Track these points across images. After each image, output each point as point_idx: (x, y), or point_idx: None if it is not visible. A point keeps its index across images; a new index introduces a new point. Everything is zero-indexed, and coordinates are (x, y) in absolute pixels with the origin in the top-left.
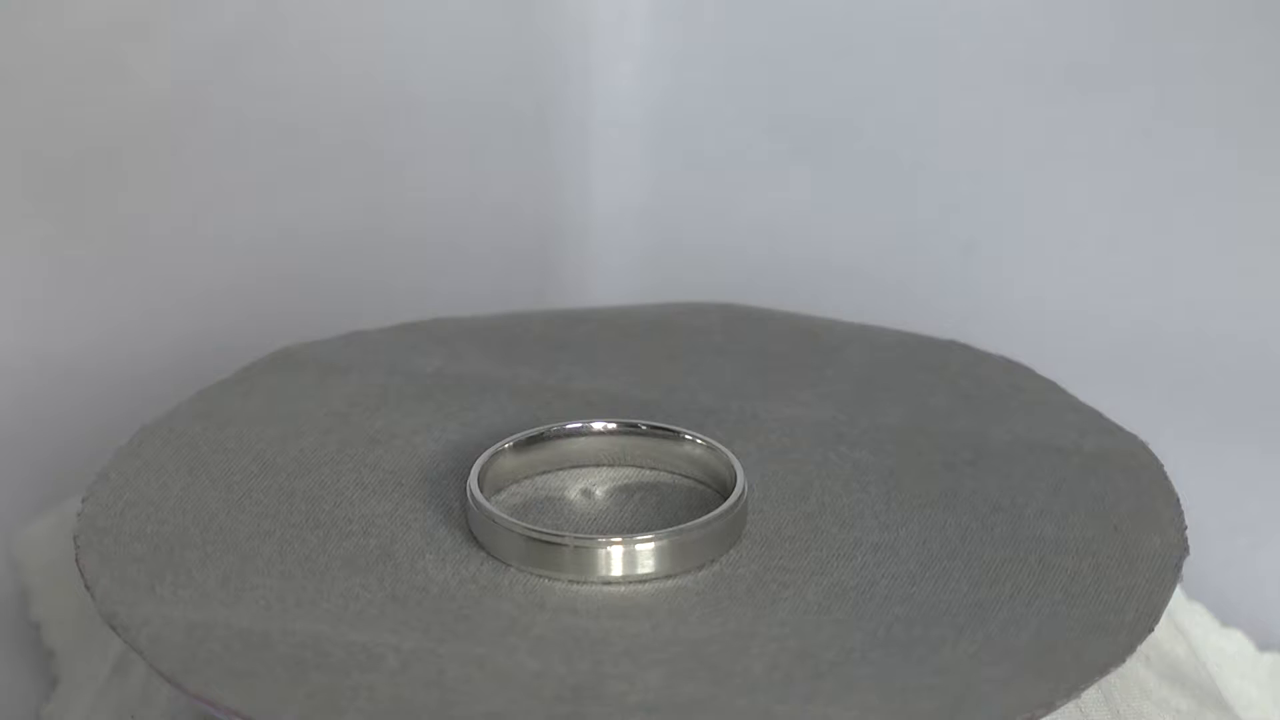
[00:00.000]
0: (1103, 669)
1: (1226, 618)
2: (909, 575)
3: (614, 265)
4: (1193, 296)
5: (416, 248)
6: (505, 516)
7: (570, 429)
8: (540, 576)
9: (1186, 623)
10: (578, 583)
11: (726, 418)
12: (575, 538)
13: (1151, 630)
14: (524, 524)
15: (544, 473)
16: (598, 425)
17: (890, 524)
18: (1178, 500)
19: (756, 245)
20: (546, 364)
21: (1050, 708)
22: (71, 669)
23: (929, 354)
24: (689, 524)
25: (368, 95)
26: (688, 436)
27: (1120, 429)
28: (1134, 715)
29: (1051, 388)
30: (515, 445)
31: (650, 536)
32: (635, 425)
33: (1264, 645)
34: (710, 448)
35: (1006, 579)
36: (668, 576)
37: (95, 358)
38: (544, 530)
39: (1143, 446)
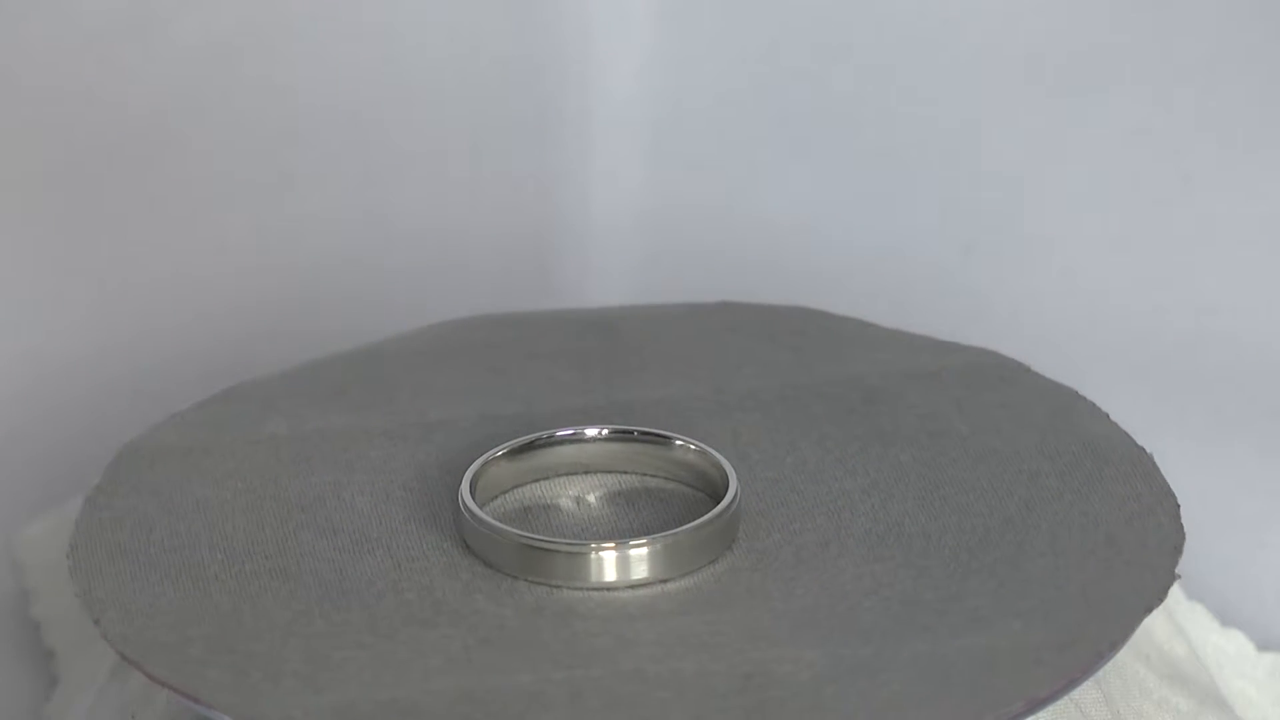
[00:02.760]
0: (1177, 548)
1: (1226, 618)
2: (924, 510)
3: (613, 267)
4: (1193, 296)
5: (416, 248)
6: (499, 524)
7: (561, 436)
8: (597, 590)
9: (1186, 623)
10: (637, 588)
11: (607, 413)
12: (588, 544)
13: (1178, 506)
14: (520, 532)
15: (535, 481)
16: (590, 431)
17: (855, 470)
18: (1074, 391)
19: (756, 245)
20: (386, 404)
21: (1165, 595)
22: (71, 669)
23: (714, 318)
24: (698, 522)
25: (367, 95)
26: (679, 441)
27: (960, 345)
28: (1134, 715)
29: (857, 323)
30: (507, 453)
31: (644, 540)
32: (628, 431)
33: (1264, 645)
34: (701, 452)
35: (1008, 494)
36: (664, 580)
37: (95, 358)
38: (544, 538)
39: (996, 354)
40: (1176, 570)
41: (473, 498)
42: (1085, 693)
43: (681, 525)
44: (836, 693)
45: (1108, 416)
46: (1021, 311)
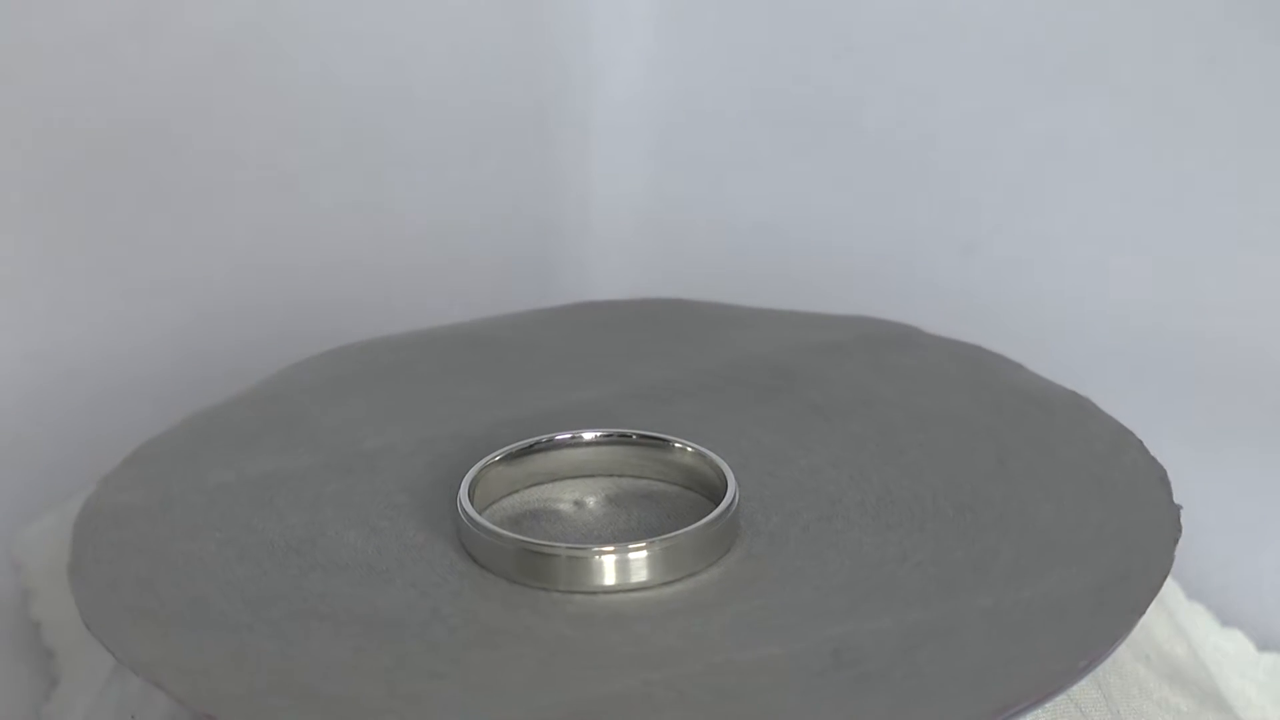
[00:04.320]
0: (1163, 480)
1: (1226, 618)
2: (904, 476)
3: (614, 265)
4: (1193, 296)
5: (416, 248)
6: (500, 529)
7: (560, 440)
8: (632, 591)
9: (1186, 623)
10: (670, 584)
11: (538, 423)
12: (623, 546)
13: (1140, 441)
14: (520, 537)
15: (534, 485)
16: (588, 435)
17: (812, 446)
18: (978, 346)
19: (756, 245)
20: (311, 441)
21: (1180, 525)
22: (71, 669)
23: (578, 319)
24: (711, 516)
25: (368, 96)
26: (678, 444)
27: (840, 316)
28: (1134, 715)
29: (722, 306)
30: (505, 458)
31: (669, 536)
32: (626, 435)
33: (1264, 645)
34: (700, 455)
35: (973, 450)
36: (692, 574)
37: (95, 359)
38: (540, 541)
39: (881, 320)
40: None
41: (470, 500)
42: (1085, 693)
43: (690, 523)
44: (930, 656)
45: (1022, 366)
46: (1021, 311)
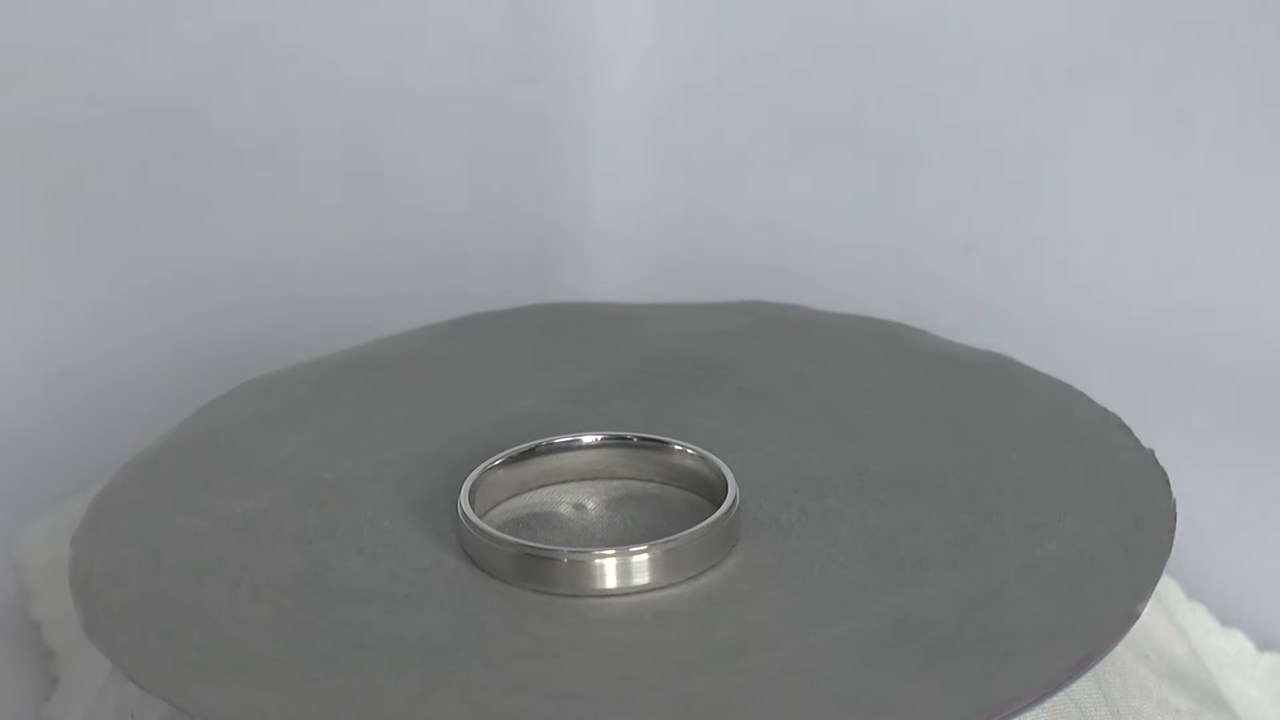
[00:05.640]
0: (1121, 426)
1: (1226, 618)
2: (870, 452)
3: (614, 265)
4: (1193, 296)
5: (416, 248)
6: (500, 534)
7: (560, 443)
8: (645, 592)
9: (1186, 623)
10: (696, 578)
11: (491, 437)
12: (597, 552)
13: (1083, 393)
14: (521, 541)
15: (534, 488)
16: (587, 438)
17: (771, 433)
18: (879, 319)
19: (757, 245)
20: (269, 479)
21: (1160, 467)
22: (71, 669)
23: (467, 332)
24: (718, 514)
25: (368, 95)
26: (677, 447)
27: (716, 304)
28: (1134, 715)
29: (602, 306)
30: (505, 461)
31: (680, 535)
32: (625, 437)
33: (1264, 645)
34: (700, 457)
35: (923, 419)
36: (712, 566)
37: (93, 358)
38: (541, 546)
39: (767, 303)
40: (1148, 447)
41: (470, 504)
42: (1085, 693)
43: (691, 521)
44: (991, 617)
45: (924, 332)
46: (1021, 311)
